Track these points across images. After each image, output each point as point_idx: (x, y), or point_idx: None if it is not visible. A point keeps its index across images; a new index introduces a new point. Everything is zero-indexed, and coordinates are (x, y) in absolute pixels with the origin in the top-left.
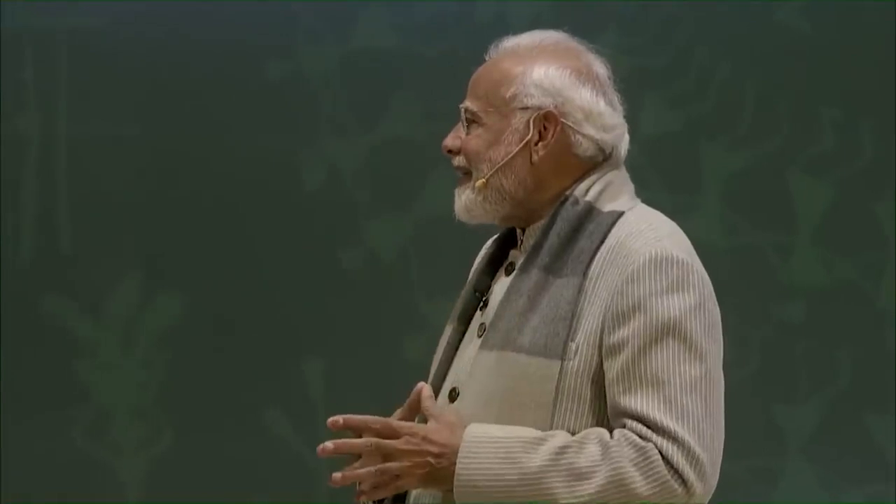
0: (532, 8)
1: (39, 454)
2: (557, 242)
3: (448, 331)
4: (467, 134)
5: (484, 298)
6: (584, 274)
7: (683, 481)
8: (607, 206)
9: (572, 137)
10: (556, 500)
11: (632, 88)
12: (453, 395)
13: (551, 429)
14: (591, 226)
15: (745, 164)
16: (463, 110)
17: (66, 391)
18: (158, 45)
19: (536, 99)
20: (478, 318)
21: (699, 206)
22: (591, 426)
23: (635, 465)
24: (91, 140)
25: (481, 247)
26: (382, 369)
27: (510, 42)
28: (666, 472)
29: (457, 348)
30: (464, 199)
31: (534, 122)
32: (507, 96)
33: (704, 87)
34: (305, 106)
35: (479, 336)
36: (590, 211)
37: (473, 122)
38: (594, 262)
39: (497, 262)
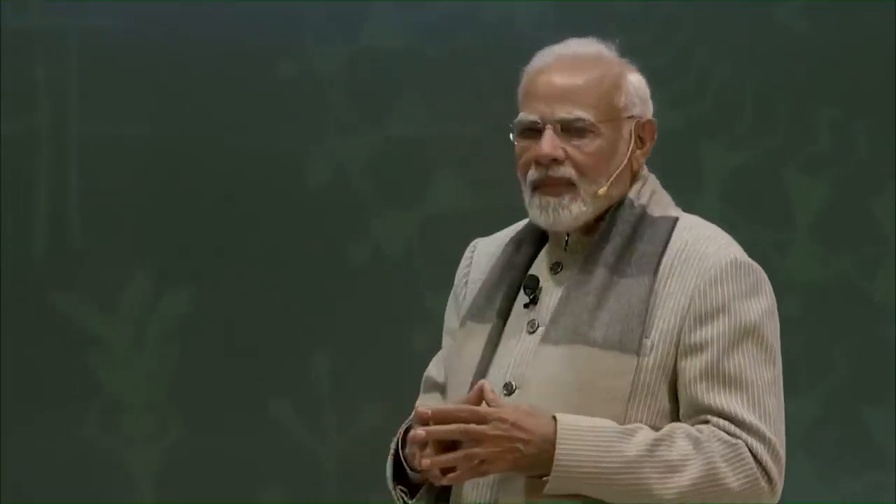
0: (536, 8)
1: (51, 448)
2: (621, 243)
3: (480, 328)
4: (575, 143)
5: (533, 296)
6: (654, 274)
7: (769, 478)
8: (657, 211)
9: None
10: (651, 491)
11: None
12: (509, 389)
13: (624, 422)
14: (648, 230)
15: (744, 163)
16: (574, 119)
17: (78, 386)
18: (168, 46)
19: (638, 108)
20: (522, 314)
21: (698, 205)
22: (661, 422)
23: (726, 460)
24: (101, 138)
25: None
26: (389, 363)
27: (580, 48)
28: (755, 468)
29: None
30: (575, 211)
31: (635, 129)
32: (621, 105)
33: (704, 87)
34: (313, 105)
35: (530, 333)
36: (643, 215)
37: (588, 131)
38: (662, 264)
39: (517, 264)
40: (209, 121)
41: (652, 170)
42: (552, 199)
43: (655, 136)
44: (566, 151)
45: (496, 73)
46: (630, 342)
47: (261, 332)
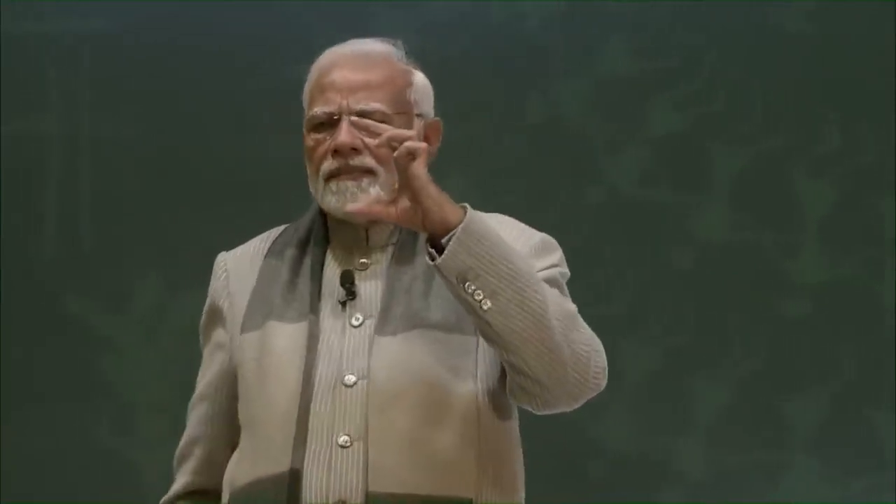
0: (545, 9)
1: (61, 449)
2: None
3: (288, 327)
4: (372, 135)
5: (350, 291)
6: None
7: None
8: None
9: None
10: (545, 302)
11: (641, 89)
12: (348, 383)
13: (477, 395)
14: None
15: (753, 164)
16: (372, 111)
17: (89, 387)
18: (179, 50)
19: (425, 106)
20: (338, 310)
21: (707, 205)
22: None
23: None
24: (112, 141)
25: None
26: None
27: (370, 46)
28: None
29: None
30: (374, 194)
31: (424, 128)
32: (412, 101)
33: (712, 88)
34: None
35: (355, 326)
36: None
37: (385, 123)
38: None
39: (311, 263)
40: (220, 124)
41: (661, 170)
42: (350, 184)
43: (441, 137)
44: (364, 142)
45: (503, 74)
46: (468, 324)
47: None
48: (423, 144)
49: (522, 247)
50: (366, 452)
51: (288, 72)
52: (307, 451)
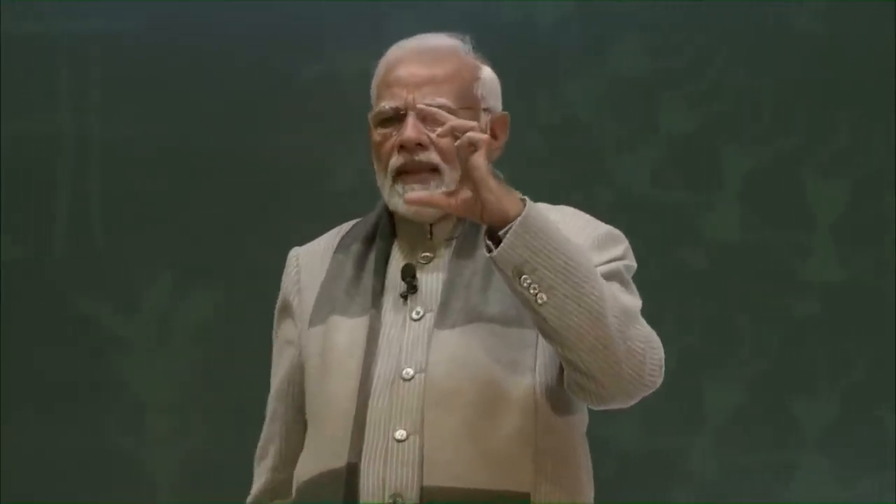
0: (556, 9)
1: (72, 448)
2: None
3: (350, 322)
4: (437, 131)
5: (411, 285)
6: None
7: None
8: None
9: None
10: (602, 298)
11: (652, 89)
12: (407, 376)
13: (534, 391)
14: None
15: (763, 164)
16: (437, 106)
17: (100, 387)
18: (189, 49)
19: (492, 101)
20: (399, 304)
21: (718, 205)
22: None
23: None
24: (123, 141)
25: None
26: None
27: (437, 41)
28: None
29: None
30: None
31: (490, 123)
32: (479, 96)
33: (723, 88)
34: (335, 108)
35: (415, 320)
36: None
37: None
38: None
39: (375, 258)
40: (231, 123)
41: (672, 169)
42: (416, 186)
43: (508, 131)
44: (430, 138)
45: (513, 74)
46: (527, 318)
47: None
48: (485, 136)
49: (586, 238)
50: (421, 447)
51: (298, 71)
52: (364, 446)
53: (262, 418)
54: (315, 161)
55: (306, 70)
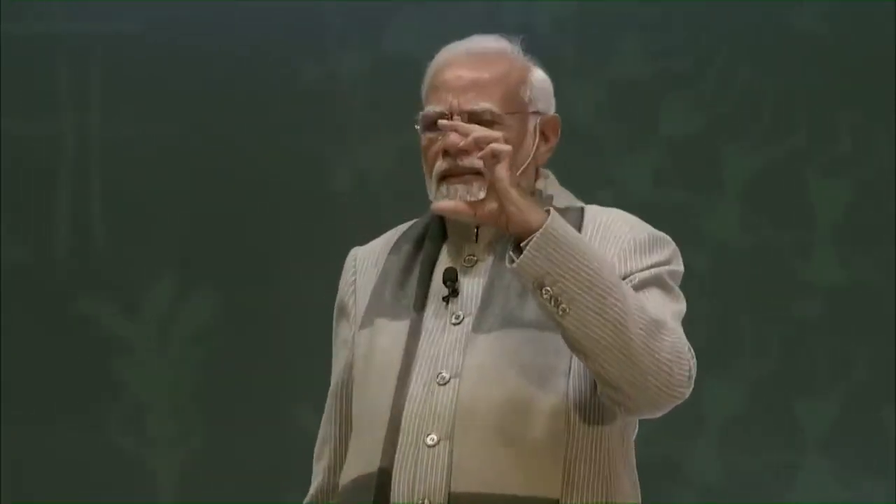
0: (556, 11)
1: (74, 450)
2: None
3: (394, 324)
4: None
5: (453, 289)
6: None
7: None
8: (563, 203)
9: None
10: (625, 310)
11: (653, 90)
12: (443, 380)
13: (567, 396)
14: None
15: (766, 165)
16: (481, 111)
17: (101, 388)
18: (190, 49)
19: (542, 103)
20: (441, 307)
21: (720, 206)
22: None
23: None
24: (124, 141)
25: None
26: None
27: (486, 44)
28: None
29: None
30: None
31: (539, 125)
32: (526, 100)
33: (725, 89)
34: (335, 109)
35: (455, 324)
36: (550, 204)
37: (495, 122)
38: None
39: (423, 261)
40: (231, 124)
41: (674, 171)
42: (461, 188)
43: (559, 133)
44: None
45: None
46: None
47: (284, 334)
48: (508, 147)
49: (628, 243)
50: (450, 452)
51: (302, 72)
52: (397, 451)
53: (262, 419)
54: (315, 161)
55: (306, 70)
